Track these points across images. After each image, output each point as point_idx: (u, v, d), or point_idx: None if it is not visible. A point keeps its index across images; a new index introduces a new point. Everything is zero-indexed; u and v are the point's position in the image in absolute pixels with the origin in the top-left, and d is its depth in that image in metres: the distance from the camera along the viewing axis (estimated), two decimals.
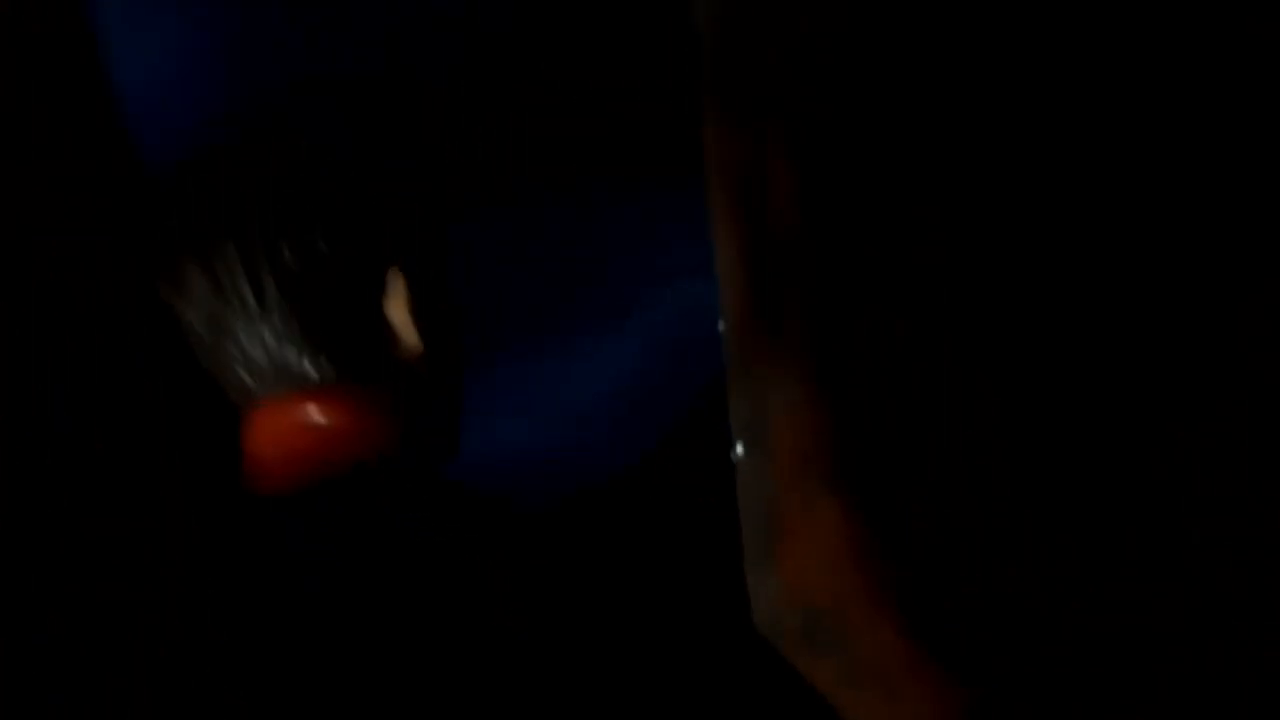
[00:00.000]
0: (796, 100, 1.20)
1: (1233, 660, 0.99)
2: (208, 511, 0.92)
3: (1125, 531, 1.07)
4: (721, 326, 1.27)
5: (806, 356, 1.16)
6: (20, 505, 0.80)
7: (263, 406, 0.77)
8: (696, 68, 1.23)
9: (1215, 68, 0.99)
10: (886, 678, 1.07)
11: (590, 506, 1.12)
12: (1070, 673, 1.10)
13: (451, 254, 0.88)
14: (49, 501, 0.82)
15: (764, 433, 1.22)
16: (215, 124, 0.87)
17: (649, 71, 1.33)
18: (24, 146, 0.90)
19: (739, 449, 1.27)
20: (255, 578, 0.95)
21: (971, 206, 1.20)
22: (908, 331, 1.19)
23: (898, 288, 1.18)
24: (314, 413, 0.74)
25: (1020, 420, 1.16)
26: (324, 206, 0.77)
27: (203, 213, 0.77)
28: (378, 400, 0.76)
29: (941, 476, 1.20)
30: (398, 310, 0.78)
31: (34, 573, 0.82)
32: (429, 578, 1.10)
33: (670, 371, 1.27)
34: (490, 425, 0.96)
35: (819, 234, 1.19)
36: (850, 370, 1.15)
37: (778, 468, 1.22)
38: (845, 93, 1.24)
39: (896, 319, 1.18)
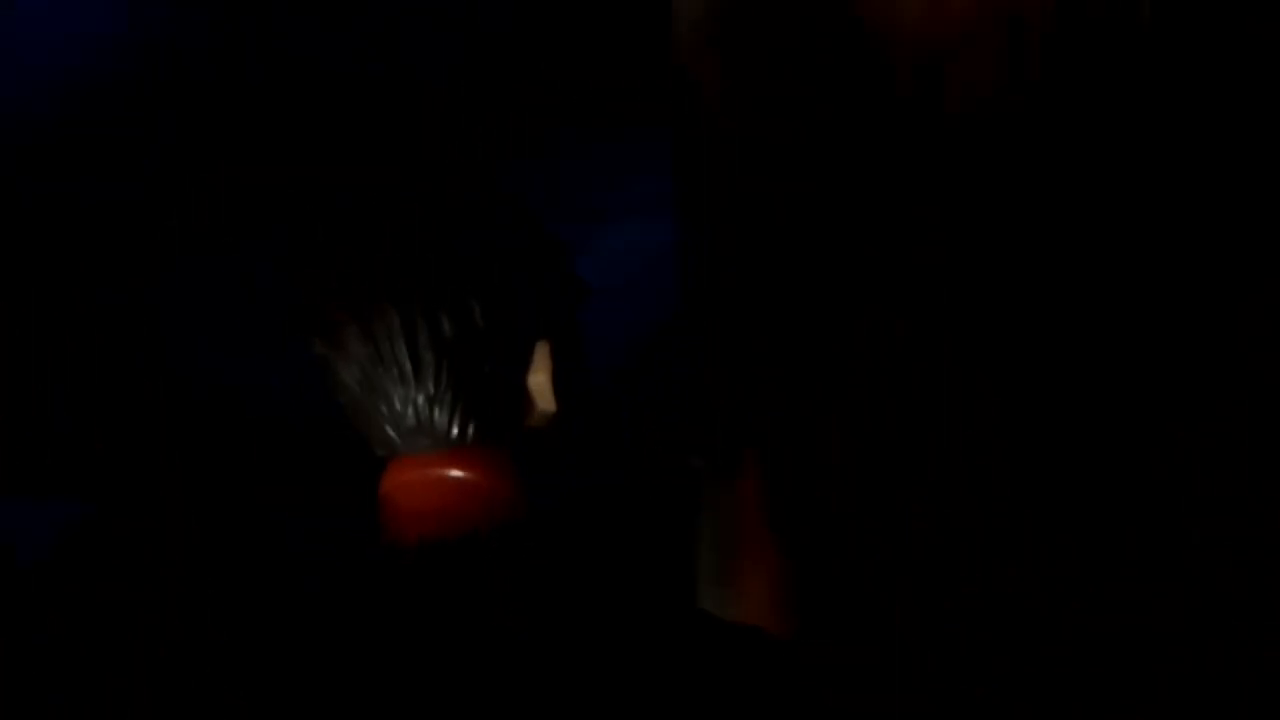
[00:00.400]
0: (797, 100, 1.20)
1: (1233, 660, 0.99)
2: (208, 511, 0.92)
3: (1125, 531, 1.07)
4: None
5: (796, 371, 1.16)
6: (20, 505, 0.80)
7: (404, 460, 0.82)
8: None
9: (1215, 68, 0.99)
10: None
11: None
12: (1070, 673, 1.10)
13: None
14: (49, 501, 0.82)
15: (731, 461, 1.24)
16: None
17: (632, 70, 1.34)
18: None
19: (699, 462, 1.28)
20: (255, 578, 0.95)
21: (971, 206, 1.20)
22: (908, 331, 1.19)
23: (898, 287, 1.18)
24: (454, 470, 0.79)
25: (1020, 420, 1.16)
26: (483, 276, 0.81)
27: (365, 274, 0.80)
28: (511, 460, 0.81)
29: (942, 476, 1.20)
30: (541, 378, 0.83)
31: (34, 573, 0.82)
32: (429, 578, 1.10)
33: (620, 305, 1.29)
34: None
35: (819, 234, 1.20)
36: (846, 377, 1.15)
37: (741, 495, 1.23)
38: (845, 92, 1.24)
39: (896, 319, 1.18)
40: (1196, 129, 1.00)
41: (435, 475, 0.80)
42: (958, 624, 1.14)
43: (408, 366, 0.80)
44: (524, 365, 0.83)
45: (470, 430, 0.81)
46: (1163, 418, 1.03)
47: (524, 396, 0.83)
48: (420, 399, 0.80)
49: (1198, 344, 1.01)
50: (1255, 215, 0.98)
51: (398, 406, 0.80)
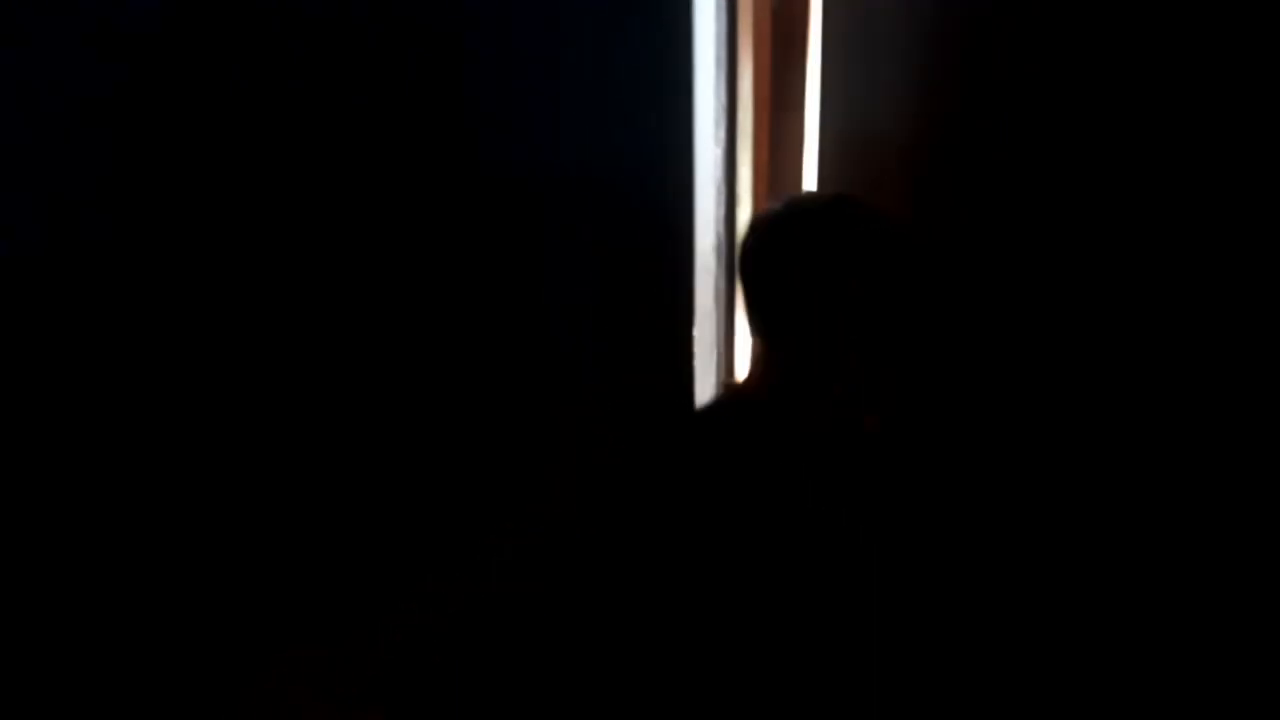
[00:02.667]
0: None
1: (1233, 660, 0.98)
2: (208, 511, 0.95)
3: (1125, 531, 1.06)
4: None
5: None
6: (20, 505, 0.82)
7: None
8: None
9: (1215, 68, 0.98)
10: None
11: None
12: (1070, 672, 1.10)
13: None
14: (49, 501, 0.84)
15: None
16: None
17: None
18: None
19: None
20: (254, 577, 0.98)
21: (971, 204, 1.21)
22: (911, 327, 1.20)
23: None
24: None
25: (1021, 420, 1.16)
26: None
27: None
28: None
29: (943, 475, 1.20)
30: None
31: (34, 573, 0.84)
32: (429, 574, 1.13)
33: None
34: None
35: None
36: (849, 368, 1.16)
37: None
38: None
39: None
40: (1197, 129, 0.99)
41: None
42: (959, 623, 1.14)
43: None
44: None
45: None
46: (1162, 418, 1.03)
47: None
48: None
49: (1197, 343, 1.00)
50: (1256, 214, 0.97)
51: None
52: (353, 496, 1.05)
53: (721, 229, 1.97)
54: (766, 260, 1.14)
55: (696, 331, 1.86)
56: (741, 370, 1.84)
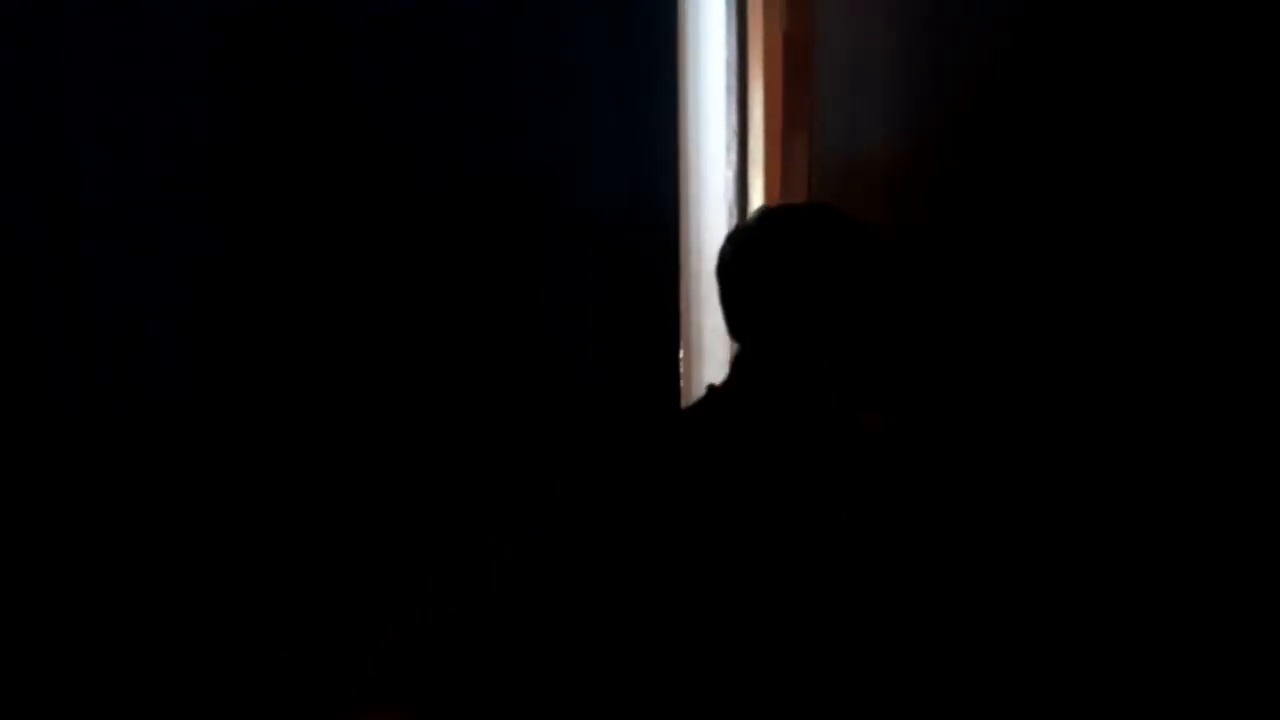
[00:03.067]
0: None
1: (1233, 660, 0.97)
2: (209, 512, 0.95)
3: (1125, 531, 1.06)
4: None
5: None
6: (21, 505, 0.83)
7: None
8: None
9: (1215, 68, 0.98)
10: None
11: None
12: (1070, 672, 1.09)
13: None
14: (51, 504, 0.85)
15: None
16: None
17: None
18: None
19: None
20: (255, 577, 0.99)
21: (970, 204, 1.21)
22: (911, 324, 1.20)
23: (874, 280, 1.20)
24: None
25: (1021, 420, 1.16)
26: None
27: None
28: None
29: (943, 474, 1.20)
30: None
31: (38, 575, 0.85)
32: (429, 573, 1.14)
33: None
34: None
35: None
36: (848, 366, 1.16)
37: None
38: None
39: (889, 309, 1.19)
40: (1197, 129, 0.99)
41: None
42: (959, 623, 1.13)
43: None
44: None
45: None
46: (1162, 418, 1.03)
47: None
48: None
49: (1196, 343, 1.00)
50: (1255, 215, 0.97)
51: None
52: (353, 497, 1.06)
53: None
54: (736, 265, 1.19)
55: (706, 350, 1.86)
56: None
